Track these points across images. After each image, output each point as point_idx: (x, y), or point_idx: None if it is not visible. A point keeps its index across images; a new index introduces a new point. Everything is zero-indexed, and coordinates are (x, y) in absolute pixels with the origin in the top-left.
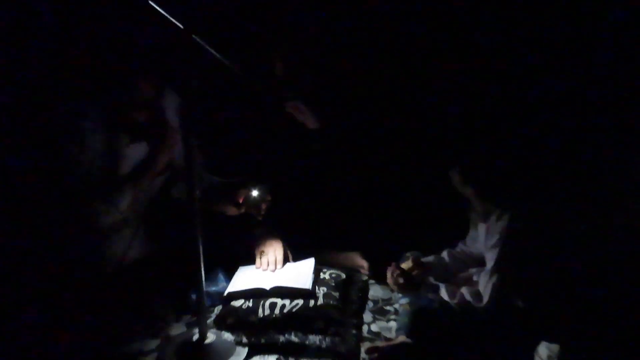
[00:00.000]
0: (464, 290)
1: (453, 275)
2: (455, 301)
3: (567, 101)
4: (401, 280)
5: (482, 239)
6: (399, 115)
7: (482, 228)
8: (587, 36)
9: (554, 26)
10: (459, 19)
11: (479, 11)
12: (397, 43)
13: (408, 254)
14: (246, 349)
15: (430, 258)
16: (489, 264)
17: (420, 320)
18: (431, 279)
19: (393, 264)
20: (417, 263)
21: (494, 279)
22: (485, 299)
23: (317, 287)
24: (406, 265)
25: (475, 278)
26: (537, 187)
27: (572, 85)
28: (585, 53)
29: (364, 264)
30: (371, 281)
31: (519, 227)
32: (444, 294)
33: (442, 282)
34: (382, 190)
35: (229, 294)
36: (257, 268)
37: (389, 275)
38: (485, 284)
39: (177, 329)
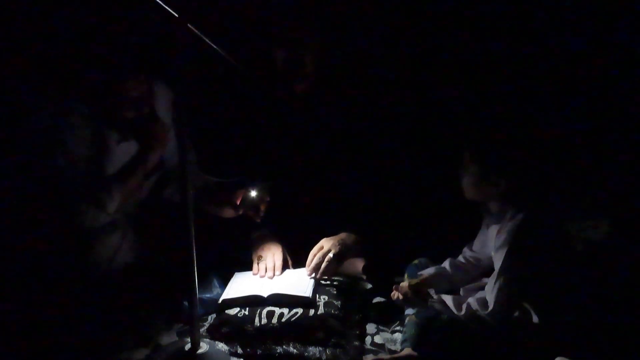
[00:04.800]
0: (471, 300)
1: (459, 287)
2: (462, 313)
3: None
4: (409, 295)
5: (492, 243)
6: (406, 110)
7: (493, 230)
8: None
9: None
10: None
11: None
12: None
13: (415, 261)
14: None
15: (430, 270)
16: (497, 266)
17: (427, 332)
18: (433, 293)
19: (395, 285)
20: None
21: (500, 282)
22: (491, 304)
23: (317, 295)
24: (408, 282)
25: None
26: (556, 186)
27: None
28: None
29: (367, 271)
30: None
31: (531, 228)
32: (450, 306)
33: (446, 294)
34: (389, 192)
35: (224, 301)
36: (254, 274)
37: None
38: (491, 288)
39: (168, 338)
